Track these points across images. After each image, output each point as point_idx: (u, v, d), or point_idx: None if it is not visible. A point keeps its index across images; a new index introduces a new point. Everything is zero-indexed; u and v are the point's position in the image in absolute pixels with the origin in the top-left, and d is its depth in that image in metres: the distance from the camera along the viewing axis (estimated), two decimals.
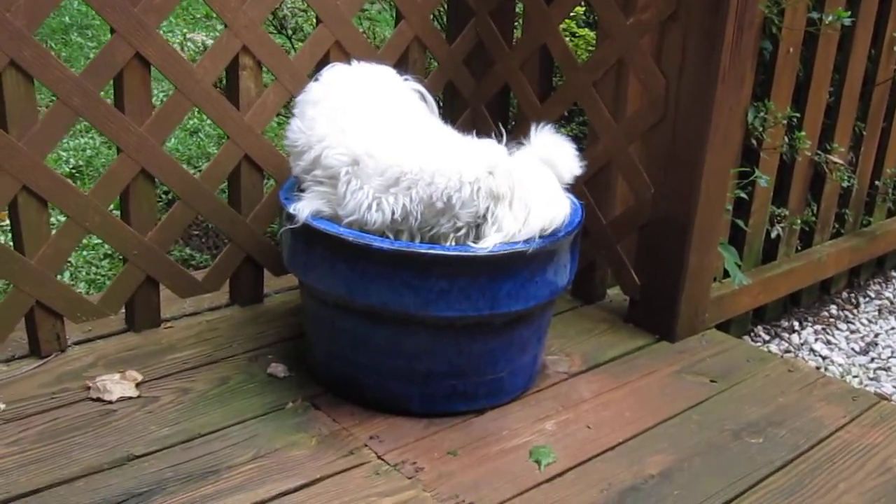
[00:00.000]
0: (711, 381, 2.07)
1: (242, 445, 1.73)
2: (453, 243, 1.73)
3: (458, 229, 1.73)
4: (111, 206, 2.01)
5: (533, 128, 1.86)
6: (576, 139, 2.40)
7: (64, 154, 3.73)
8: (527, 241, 1.73)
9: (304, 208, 1.79)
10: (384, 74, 2.05)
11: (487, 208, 1.71)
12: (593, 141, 2.31)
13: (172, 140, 3.80)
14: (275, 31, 3.12)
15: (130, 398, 1.86)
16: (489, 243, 1.69)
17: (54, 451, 1.67)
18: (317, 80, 1.94)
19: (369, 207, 1.72)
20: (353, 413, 1.85)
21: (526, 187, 1.73)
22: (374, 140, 1.76)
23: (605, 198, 2.34)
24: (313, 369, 1.98)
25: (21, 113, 1.80)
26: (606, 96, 2.26)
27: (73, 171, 3.57)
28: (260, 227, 2.22)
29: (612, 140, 2.24)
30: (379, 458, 1.72)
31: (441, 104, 2.56)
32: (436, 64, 2.47)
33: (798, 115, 2.71)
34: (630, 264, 2.31)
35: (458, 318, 1.74)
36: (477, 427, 1.84)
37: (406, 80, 2.10)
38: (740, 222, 2.69)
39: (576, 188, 2.28)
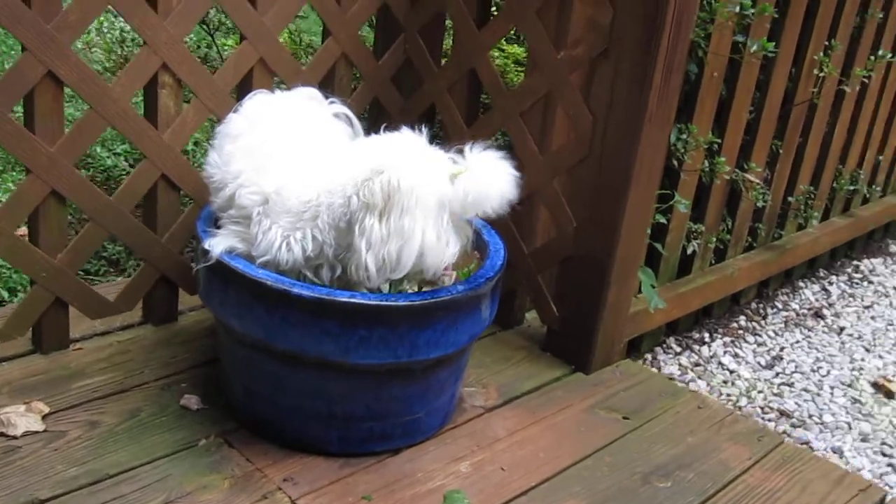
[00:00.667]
0: (624, 418, 2.11)
1: (153, 488, 1.69)
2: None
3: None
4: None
5: (467, 147, 1.74)
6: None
7: None
8: (448, 290, 1.73)
9: (218, 244, 1.75)
10: (307, 101, 2.00)
11: (361, 218, 1.65)
12: (518, 170, 2.30)
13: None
14: (197, 27, 3.02)
15: (36, 432, 1.79)
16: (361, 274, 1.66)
17: None
18: (237, 111, 1.88)
19: (279, 247, 1.69)
20: (268, 452, 1.83)
21: (409, 202, 1.62)
22: (285, 177, 1.71)
23: (527, 228, 2.35)
24: (228, 403, 1.94)
25: None
26: (533, 127, 2.26)
27: None
28: (176, 246, 2.16)
29: (536, 172, 2.24)
30: (293, 502, 1.71)
31: (366, 121, 2.52)
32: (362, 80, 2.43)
33: (719, 140, 2.76)
34: (549, 295, 2.33)
35: (378, 365, 1.73)
36: (392, 468, 1.84)
37: (332, 102, 2.06)
38: (658, 245, 2.74)
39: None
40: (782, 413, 2.92)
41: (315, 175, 1.70)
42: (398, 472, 1.83)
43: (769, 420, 2.85)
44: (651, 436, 2.06)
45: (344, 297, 1.66)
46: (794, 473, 1.99)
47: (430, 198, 1.64)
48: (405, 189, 1.60)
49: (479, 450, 1.93)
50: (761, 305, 3.63)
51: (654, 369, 2.90)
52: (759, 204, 3.15)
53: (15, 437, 1.77)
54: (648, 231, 2.59)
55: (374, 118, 2.53)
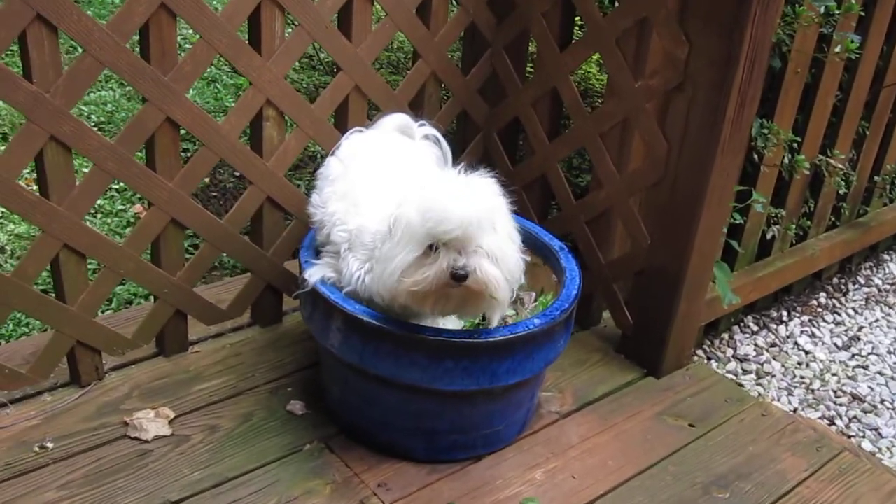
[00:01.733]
0: (690, 426, 2.27)
1: (265, 493, 1.94)
2: None
3: None
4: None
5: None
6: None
7: (86, 109, 3.84)
8: (525, 324, 1.90)
9: (314, 274, 1.96)
10: (396, 134, 2.17)
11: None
12: (597, 186, 2.44)
13: (191, 91, 3.88)
14: None
15: (165, 437, 2.06)
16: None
17: (100, 497, 1.89)
18: (334, 154, 2.06)
19: (359, 279, 1.88)
20: (364, 457, 2.06)
21: (397, 231, 1.77)
22: (369, 214, 1.89)
23: (605, 239, 2.48)
24: (328, 409, 2.18)
25: (61, 180, 1.94)
26: (612, 147, 2.38)
27: (96, 126, 3.69)
28: (280, 258, 2.38)
29: (614, 189, 2.37)
30: None
31: (455, 131, 2.67)
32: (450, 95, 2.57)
33: (799, 139, 2.81)
34: (623, 303, 2.47)
35: (461, 391, 1.92)
36: (474, 475, 2.05)
37: (421, 124, 2.22)
38: (734, 243, 2.84)
39: (577, 226, 2.43)
40: (854, 397, 3.01)
41: (385, 213, 1.88)
42: (479, 478, 2.04)
43: (841, 405, 2.95)
44: (714, 445, 2.22)
45: (431, 335, 1.85)
46: (848, 486, 2.13)
47: (413, 227, 1.75)
48: (399, 218, 1.77)
49: (552, 457, 2.13)
50: (843, 281, 3.67)
51: (722, 372, 3.02)
52: (842, 191, 3.18)
53: (147, 441, 2.04)
54: (723, 240, 2.69)
55: (462, 129, 2.68)
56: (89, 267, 2.09)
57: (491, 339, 1.86)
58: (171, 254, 2.19)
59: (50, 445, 2.00)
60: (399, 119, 2.22)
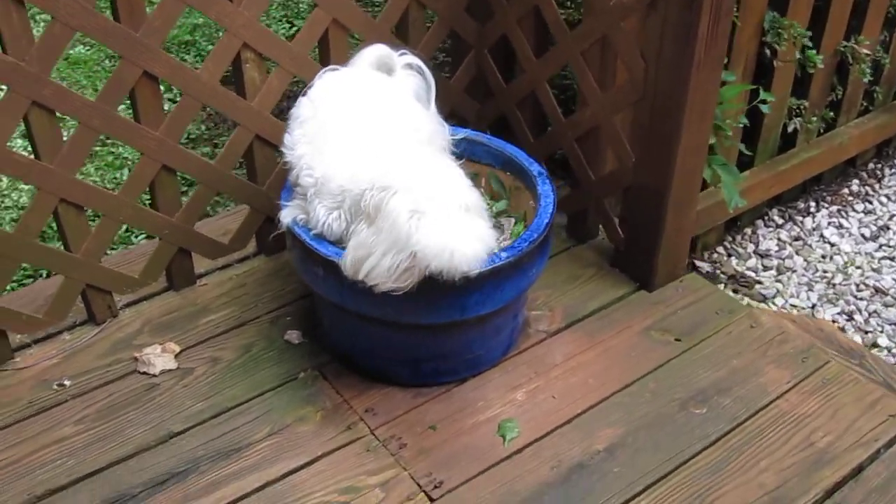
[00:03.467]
0: (676, 340, 2.32)
1: (260, 421, 2.10)
2: None
3: None
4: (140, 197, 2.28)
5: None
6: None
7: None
8: (491, 260, 1.95)
9: (286, 216, 2.05)
10: (374, 71, 2.19)
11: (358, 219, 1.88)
12: (583, 105, 2.43)
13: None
14: None
15: (170, 370, 2.23)
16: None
17: (112, 430, 2.07)
18: (305, 94, 2.10)
19: (324, 223, 1.96)
20: (354, 384, 2.19)
21: (384, 224, 1.80)
22: (332, 162, 1.94)
23: (594, 156, 2.49)
24: (322, 337, 2.30)
25: (49, 141, 2.05)
26: (593, 66, 2.35)
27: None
28: (276, 192, 2.44)
29: (598, 107, 2.36)
30: (371, 432, 2.07)
31: (446, 54, 2.67)
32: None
33: (810, 33, 2.70)
34: (615, 218, 2.49)
35: (432, 324, 2.01)
36: (457, 398, 2.16)
37: (402, 53, 2.24)
38: (742, 146, 2.79)
39: (566, 143, 2.45)
40: (877, 290, 2.98)
41: (353, 162, 1.92)
42: (462, 401, 2.15)
43: (862, 299, 2.93)
44: (698, 359, 2.27)
45: None
46: (829, 398, 2.17)
47: (400, 231, 1.77)
48: (386, 213, 1.78)
49: (535, 377, 2.22)
50: (879, 166, 3.56)
51: (742, 269, 3.00)
52: (866, 79, 3.06)
53: (154, 376, 2.21)
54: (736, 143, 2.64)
55: (455, 49, 2.67)
56: (91, 215, 2.23)
57: None
58: (167, 197, 2.31)
59: (67, 383, 2.19)
60: (378, 51, 2.24)
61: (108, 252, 2.61)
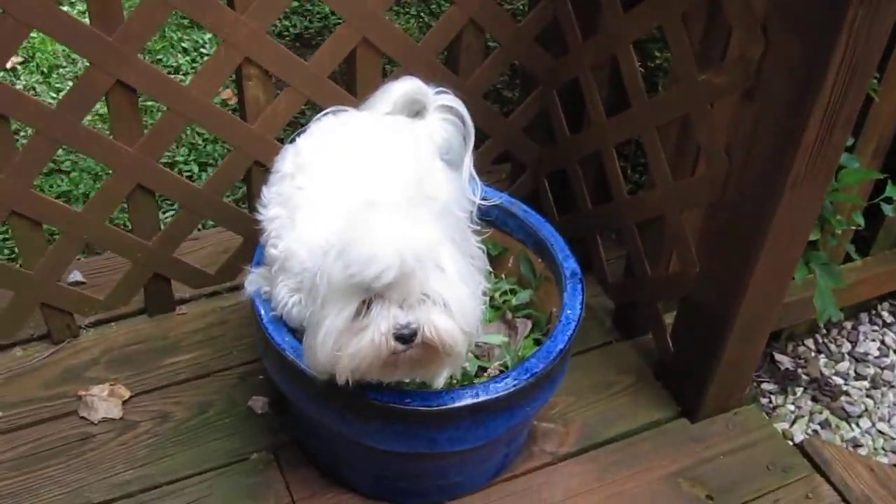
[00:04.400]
0: (707, 498, 1.88)
1: None
2: None
3: None
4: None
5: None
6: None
7: None
8: (473, 391, 1.56)
9: (252, 283, 1.70)
10: (405, 103, 1.80)
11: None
12: (650, 187, 1.96)
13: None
14: None
15: (112, 420, 1.94)
16: None
17: (25, 487, 1.80)
18: (293, 141, 1.72)
19: (284, 306, 1.60)
20: (308, 481, 1.85)
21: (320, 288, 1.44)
22: (305, 234, 1.56)
23: (654, 248, 2.03)
24: (286, 412, 1.97)
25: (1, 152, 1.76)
26: (668, 145, 1.88)
27: None
28: None
29: (666, 196, 1.90)
30: None
31: (508, 84, 2.23)
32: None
33: None
34: (666, 325, 2.04)
35: (395, 452, 1.64)
36: None
37: (440, 92, 1.83)
38: (851, 248, 2.28)
39: (625, 225, 2.02)
40: None
41: (322, 237, 1.54)
42: None
43: None
44: None
45: (353, 389, 1.55)
46: None
47: (335, 279, 1.41)
48: (321, 271, 1.43)
49: None
50: None
51: (831, 372, 2.50)
52: None
53: (93, 423, 1.93)
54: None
55: (523, 82, 2.24)
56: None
57: (420, 408, 1.55)
58: (143, 219, 1.99)
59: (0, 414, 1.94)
60: (406, 87, 1.81)
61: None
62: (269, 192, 1.68)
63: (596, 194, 2.19)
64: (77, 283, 2.17)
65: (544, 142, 2.29)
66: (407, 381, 1.58)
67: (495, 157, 2.30)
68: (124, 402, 1.98)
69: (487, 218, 1.93)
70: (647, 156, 1.92)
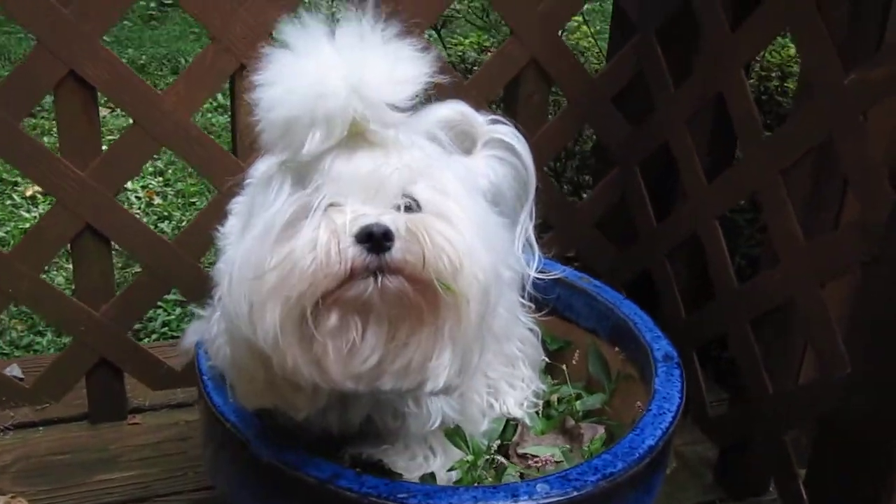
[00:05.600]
0: None
1: None
2: None
3: None
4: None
5: None
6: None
7: None
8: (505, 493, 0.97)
9: (192, 332, 1.18)
10: (447, 128, 1.34)
11: None
12: (771, 262, 1.42)
13: None
14: None
15: None
16: None
17: None
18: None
19: (218, 349, 1.06)
20: None
21: None
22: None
23: (778, 354, 1.45)
24: None
25: None
26: (799, 194, 1.36)
27: None
28: None
29: (795, 268, 1.35)
30: None
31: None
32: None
33: None
34: (799, 470, 1.42)
35: None
36: None
37: (494, 121, 1.36)
38: None
39: (736, 325, 1.46)
40: None
41: None
42: None
43: None
44: None
45: (314, 474, 0.98)
46: None
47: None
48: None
49: None
50: None
51: None
52: None
53: None
54: None
55: (597, 165, 1.79)
56: None
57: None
58: (92, 276, 1.52)
59: None
60: (450, 111, 1.36)
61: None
62: (231, 205, 1.20)
63: (693, 297, 1.65)
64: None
65: (622, 242, 1.78)
66: (388, 387, 0.96)
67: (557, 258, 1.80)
68: None
69: (546, 298, 1.40)
70: (767, 216, 1.40)
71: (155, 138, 1.44)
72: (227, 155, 1.50)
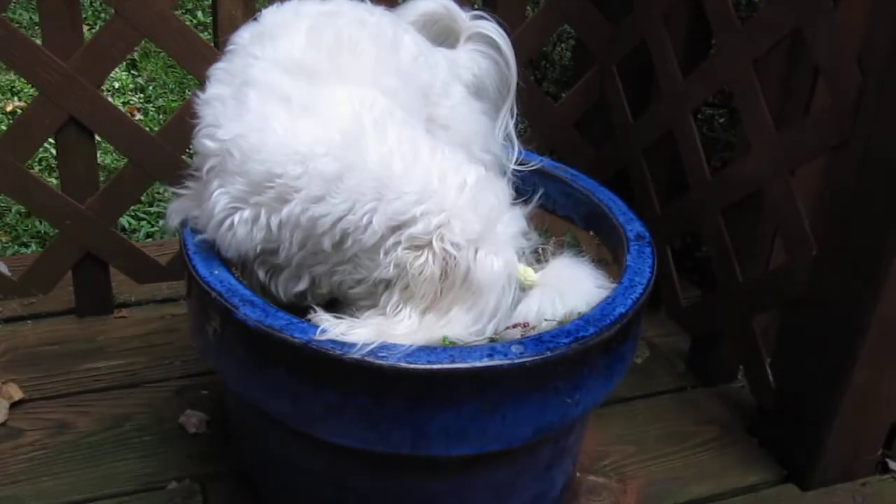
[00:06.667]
0: None
1: None
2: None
3: (363, 282, 1.09)
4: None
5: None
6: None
7: None
8: (478, 352, 1.02)
9: (174, 213, 1.20)
10: (428, 23, 1.37)
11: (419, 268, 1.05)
12: (743, 151, 1.46)
13: None
14: None
15: None
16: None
17: None
18: (255, 18, 1.27)
19: (221, 223, 1.09)
20: None
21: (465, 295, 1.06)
22: (258, 120, 1.08)
23: (748, 242, 1.50)
24: (229, 435, 1.41)
25: None
26: (772, 84, 1.39)
27: None
28: None
29: (766, 156, 1.39)
30: None
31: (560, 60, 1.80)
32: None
33: None
34: (765, 354, 1.47)
35: (361, 451, 1.08)
36: None
37: (477, 17, 1.39)
38: None
39: (708, 217, 1.51)
40: None
41: (318, 137, 1.06)
42: None
43: None
44: None
45: (297, 336, 1.02)
46: None
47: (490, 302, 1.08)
48: (469, 281, 1.07)
49: None
50: None
51: None
52: None
53: None
54: None
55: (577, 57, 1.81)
56: None
57: (400, 365, 0.99)
58: (77, 169, 1.54)
59: None
60: (429, 6, 1.39)
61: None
62: (212, 70, 1.21)
63: (668, 192, 1.69)
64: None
65: (602, 138, 1.81)
66: None
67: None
68: (13, 406, 1.45)
69: (522, 188, 1.43)
70: (739, 106, 1.43)
71: (136, 28, 1.44)
72: (208, 46, 1.50)
